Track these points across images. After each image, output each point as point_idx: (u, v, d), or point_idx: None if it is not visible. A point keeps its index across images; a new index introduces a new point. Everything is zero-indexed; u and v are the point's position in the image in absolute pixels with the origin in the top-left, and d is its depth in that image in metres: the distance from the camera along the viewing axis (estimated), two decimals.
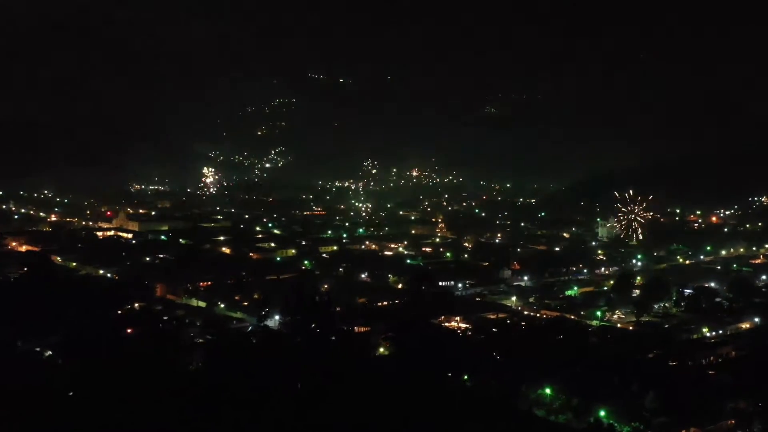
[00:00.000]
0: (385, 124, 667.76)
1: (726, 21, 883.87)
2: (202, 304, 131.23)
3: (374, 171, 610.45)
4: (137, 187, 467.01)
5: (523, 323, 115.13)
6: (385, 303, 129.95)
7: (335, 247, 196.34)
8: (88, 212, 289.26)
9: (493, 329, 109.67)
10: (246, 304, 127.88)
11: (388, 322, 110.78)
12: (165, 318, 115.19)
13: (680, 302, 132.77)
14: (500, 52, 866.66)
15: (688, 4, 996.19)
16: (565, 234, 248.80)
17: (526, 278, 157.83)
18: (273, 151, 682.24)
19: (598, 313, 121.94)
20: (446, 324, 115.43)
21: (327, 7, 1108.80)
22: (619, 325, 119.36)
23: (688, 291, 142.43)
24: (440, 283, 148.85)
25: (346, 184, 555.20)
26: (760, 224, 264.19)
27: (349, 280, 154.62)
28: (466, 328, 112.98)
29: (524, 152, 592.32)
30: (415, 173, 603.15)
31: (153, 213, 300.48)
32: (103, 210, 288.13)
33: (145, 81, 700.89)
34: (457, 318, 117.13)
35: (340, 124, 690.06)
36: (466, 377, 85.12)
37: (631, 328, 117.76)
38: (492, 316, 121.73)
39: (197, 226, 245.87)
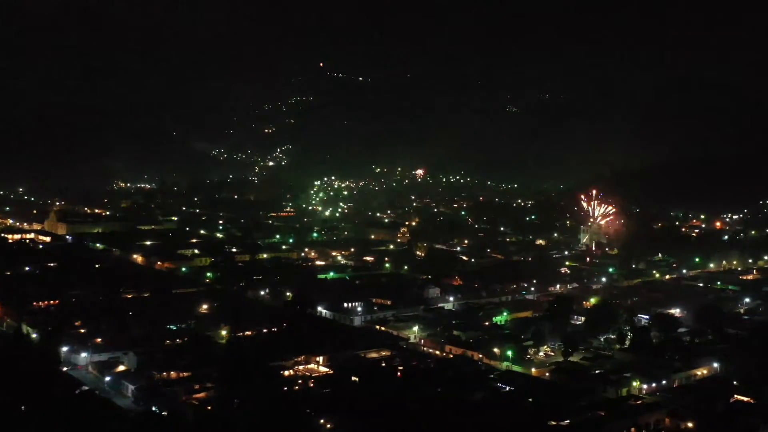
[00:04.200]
0: (401, 123, 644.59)
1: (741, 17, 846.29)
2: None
3: (378, 170, 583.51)
4: (121, 185, 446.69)
5: (400, 367, 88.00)
6: (252, 332, 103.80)
7: (252, 256, 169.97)
8: (34, 212, 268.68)
9: (353, 378, 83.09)
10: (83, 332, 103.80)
11: (219, 365, 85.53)
12: None
13: (627, 336, 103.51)
14: (522, 50, 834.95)
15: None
16: (541, 241, 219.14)
17: (452, 299, 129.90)
18: (278, 149, 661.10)
19: (509, 353, 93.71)
20: (301, 367, 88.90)
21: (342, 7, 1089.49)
22: (533, 370, 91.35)
23: (645, 318, 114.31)
24: (345, 304, 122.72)
25: (345, 183, 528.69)
26: (767, 231, 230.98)
27: (240, 298, 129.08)
28: (322, 374, 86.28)
29: (539, 152, 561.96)
30: (419, 172, 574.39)
31: (106, 213, 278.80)
32: (54, 210, 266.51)
33: (148, 76, 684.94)
34: (319, 359, 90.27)
35: (351, 124, 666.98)
36: None
37: (547, 374, 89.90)
38: (374, 355, 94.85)
39: (134, 228, 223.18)
